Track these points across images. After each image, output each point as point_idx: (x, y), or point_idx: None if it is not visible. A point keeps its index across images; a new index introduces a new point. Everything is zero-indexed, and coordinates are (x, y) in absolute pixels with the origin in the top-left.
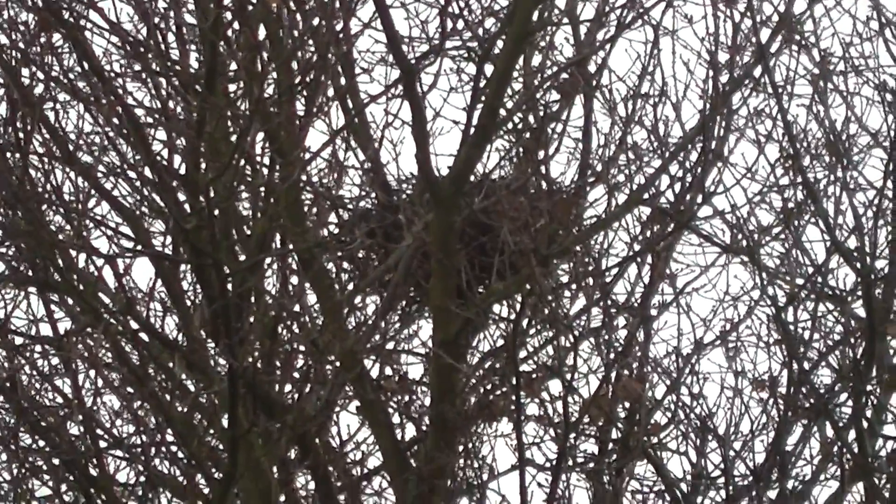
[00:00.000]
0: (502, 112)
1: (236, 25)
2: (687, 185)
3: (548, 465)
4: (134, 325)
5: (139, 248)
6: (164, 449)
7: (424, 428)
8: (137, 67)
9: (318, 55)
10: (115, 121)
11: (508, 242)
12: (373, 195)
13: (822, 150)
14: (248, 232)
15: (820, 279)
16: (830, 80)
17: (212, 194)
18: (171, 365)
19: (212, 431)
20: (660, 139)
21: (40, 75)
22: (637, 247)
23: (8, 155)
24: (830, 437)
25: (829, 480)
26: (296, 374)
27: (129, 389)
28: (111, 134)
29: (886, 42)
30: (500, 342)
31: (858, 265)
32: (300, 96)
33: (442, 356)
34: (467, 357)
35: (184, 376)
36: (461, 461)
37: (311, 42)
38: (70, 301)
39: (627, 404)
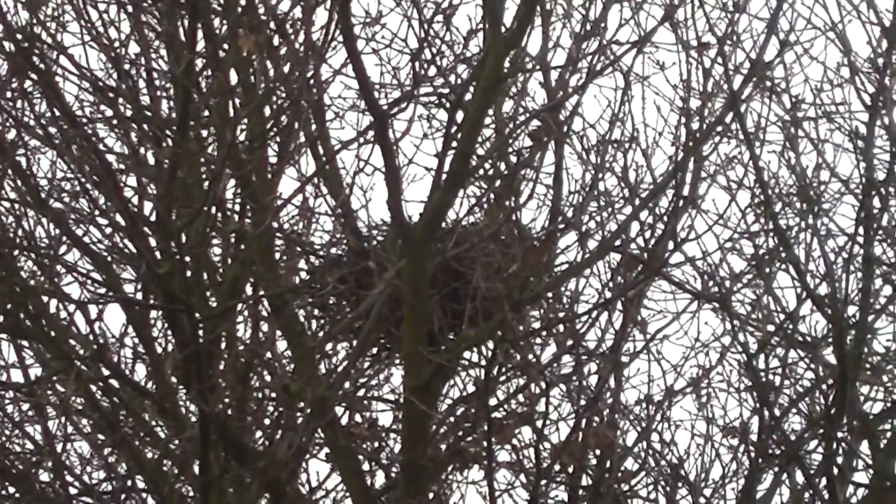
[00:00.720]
0: (474, 158)
1: (208, 71)
2: (658, 231)
3: None
4: (105, 371)
5: (110, 293)
6: (134, 495)
7: (395, 475)
8: (109, 113)
9: (289, 101)
10: (87, 167)
11: (481, 288)
12: (344, 241)
13: (793, 196)
14: (220, 278)
15: (791, 326)
16: (801, 126)
17: (184, 240)
18: (142, 411)
19: (183, 478)
20: (630, 186)
21: (11, 121)
22: (608, 293)
23: None
24: (801, 483)
25: None
26: (267, 421)
27: (100, 436)
28: (83, 180)
29: (857, 89)
30: (471, 389)
31: (829, 312)
32: (272, 142)
33: (414, 402)
34: (438, 404)
35: (155, 422)
36: None
37: (282, 88)
38: (41, 347)
39: (598, 451)
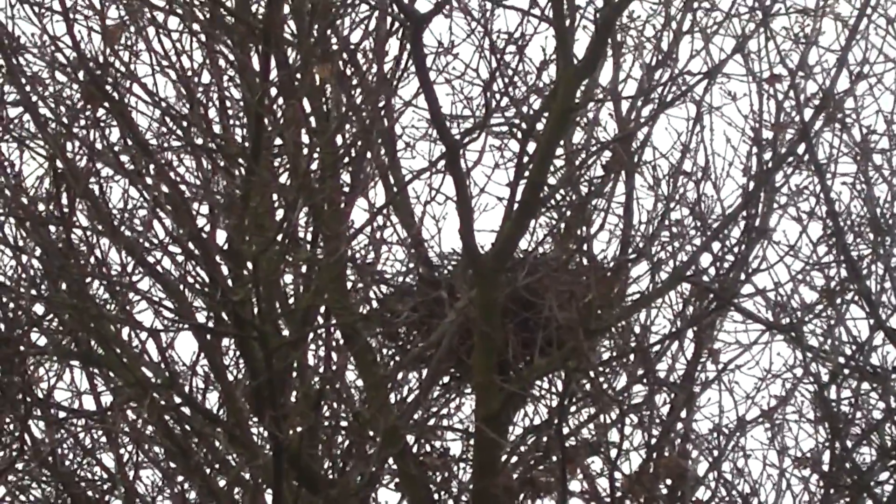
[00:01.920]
0: (545, 188)
1: (281, 101)
2: (729, 262)
3: None
4: (177, 398)
5: (182, 321)
6: None
7: None
8: (181, 142)
9: (361, 131)
10: (160, 195)
11: (555, 317)
12: (416, 271)
13: (864, 227)
14: (292, 306)
15: (862, 357)
16: (872, 157)
17: (257, 268)
18: (213, 439)
19: None
20: (702, 216)
21: (84, 149)
22: (680, 324)
23: (52, 228)
24: None
25: None
26: (338, 450)
27: (172, 464)
28: (155, 208)
29: None
30: (541, 419)
31: None
32: (344, 171)
33: (484, 431)
34: (509, 433)
35: (226, 450)
36: None
37: (354, 118)
38: (113, 374)
39: (670, 481)
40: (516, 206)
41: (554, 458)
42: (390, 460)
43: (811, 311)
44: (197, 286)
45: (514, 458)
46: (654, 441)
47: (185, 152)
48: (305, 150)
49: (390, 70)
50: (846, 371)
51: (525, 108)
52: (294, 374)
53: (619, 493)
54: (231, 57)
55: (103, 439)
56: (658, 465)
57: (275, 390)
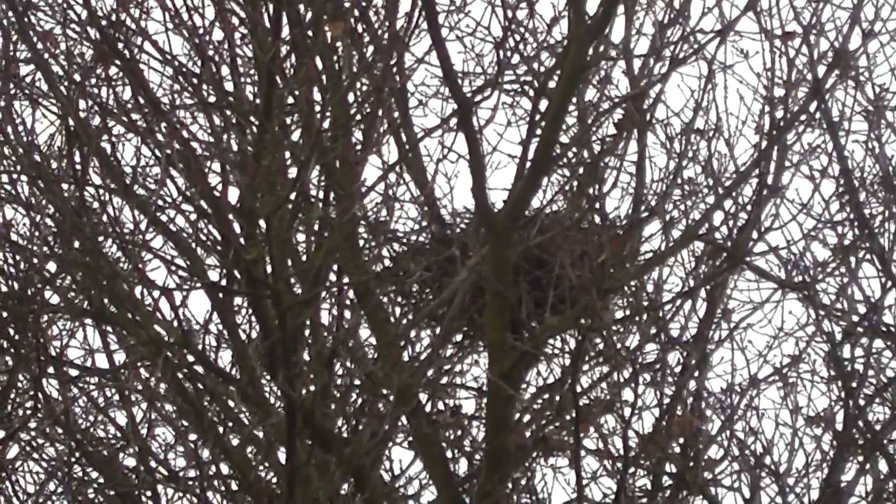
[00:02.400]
0: (557, 146)
1: (292, 59)
2: (742, 220)
3: (606, 500)
4: (190, 357)
5: (195, 279)
6: (219, 482)
7: (478, 462)
8: (193, 100)
9: (373, 89)
10: (172, 153)
11: (569, 276)
12: (428, 229)
13: (877, 185)
14: (305, 265)
15: (875, 315)
16: (885, 115)
17: (270, 227)
18: (226, 398)
19: (267, 465)
20: (714, 174)
21: (96, 107)
22: (692, 282)
23: (65, 186)
24: (885, 473)
25: None
26: (351, 408)
27: (185, 422)
28: (168, 166)
29: None
30: (553, 377)
31: None
32: (356, 130)
33: (501, 386)
34: (520, 392)
35: (239, 409)
36: (516, 496)
37: (366, 76)
38: (126, 333)
39: (683, 439)
40: (528, 164)
41: (567, 417)
42: (403, 418)
43: (824, 270)
44: (209, 244)
45: (528, 417)
46: (666, 400)
47: (197, 110)
48: (318, 109)
49: (402, 27)
50: (859, 329)
51: (537, 66)
52: (307, 332)
53: (632, 452)
54: (243, 14)
55: (116, 397)
56: (671, 424)
57: (287, 349)
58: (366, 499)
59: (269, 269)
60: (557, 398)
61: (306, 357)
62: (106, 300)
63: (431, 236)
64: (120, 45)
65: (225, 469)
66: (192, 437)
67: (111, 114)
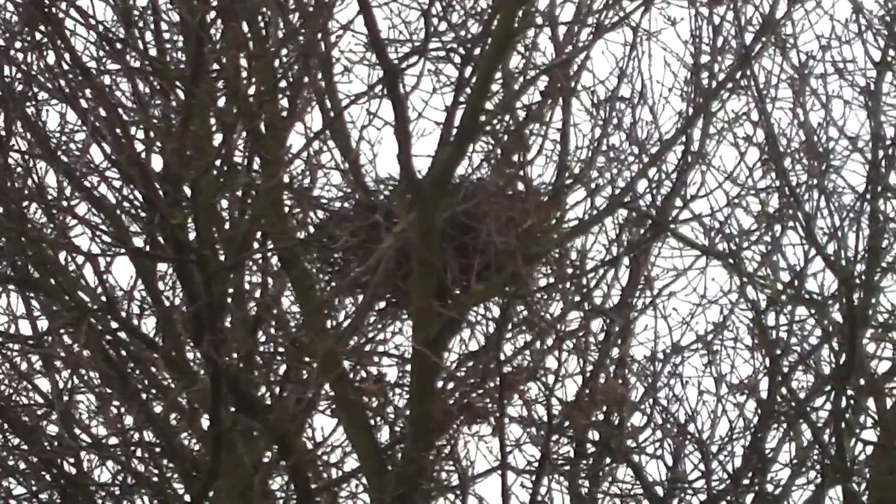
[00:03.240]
0: (483, 113)
1: (219, 23)
2: (666, 187)
3: (529, 468)
4: (114, 323)
5: (120, 245)
6: (143, 448)
7: (401, 430)
8: (119, 65)
9: (299, 55)
10: (97, 118)
11: (495, 242)
12: (353, 196)
13: (802, 153)
14: (230, 231)
15: (799, 283)
16: (810, 82)
17: (195, 192)
18: (151, 364)
19: (192, 431)
20: (639, 142)
21: (21, 72)
22: (616, 250)
23: None
24: (809, 440)
25: (807, 484)
26: (275, 375)
27: (109, 389)
28: (93, 132)
29: (866, 44)
30: (478, 345)
31: (838, 269)
32: (282, 96)
33: (426, 354)
34: (446, 359)
35: (164, 375)
36: (440, 463)
37: (292, 42)
38: (50, 299)
39: (607, 407)
40: (454, 131)
41: (491, 384)
42: (327, 385)
43: (748, 237)
44: (134, 210)
45: (452, 384)
46: (590, 367)
47: (122, 75)
48: (244, 75)
49: None
50: (783, 297)
51: (463, 33)
52: (232, 299)
53: (555, 420)
54: None
55: (39, 364)
56: (595, 392)
57: (212, 315)
58: (290, 465)
59: (194, 234)
60: (481, 366)
61: (231, 323)
62: (30, 266)
63: (356, 203)
64: (45, 10)
65: (149, 436)
66: (116, 403)
67: (36, 79)
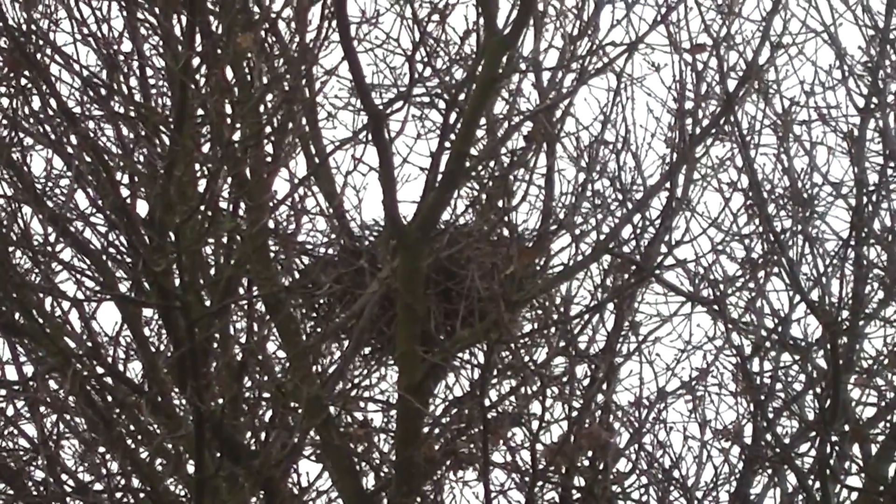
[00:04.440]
0: (468, 159)
1: (204, 69)
2: (651, 233)
3: None
4: (99, 368)
5: (105, 291)
6: (128, 494)
7: (386, 475)
8: (104, 111)
9: (283, 100)
10: (82, 164)
11: (478, 288)
12: (338, 241)
13: (786, 199)
14: (214, 276)
15: (783, 329)
16: (793, 129)
17: (179, 238)
18: (136, 409)
19: (177, 476)
20: (623, 188)
21: (6, 117)
22: (601, 295)
23: None
24: (794, 486)
25: None
26: (260, 420)
27: (94, 434)
28: (78, 177)
29: (849, 91)
30: (463, 390)
31: (822, 315)
32: (266, 141)
33: (409, 400)
34: (431, 404)
35: (149, 421)
36: None
37: (276, 87)
38: (35, 344)
39: (591, 452)
40: (440, 176)
41: (476, 430)
42: (312, 431)
43: (733, 283)
44: (120, 256)
45: (437, 430)
46: (575, 413)
47: (107, 121)
48: (228, 120)
49: (313, 39)
50: (767, 343)
51: (447, 79)
52: (216, 344)
53: (540, 465)
54: (154, 24)
55: (25, 409)
56: (579, 437)
57: (197, 360)
58: None
59: (178, 280)
60: (465, 411)
61: (216, 369)
62: (15, 311)
63: (341, 248)
64: (30, 55)
65: (134, 481)
66: (101, 449)
67: (21, 124)
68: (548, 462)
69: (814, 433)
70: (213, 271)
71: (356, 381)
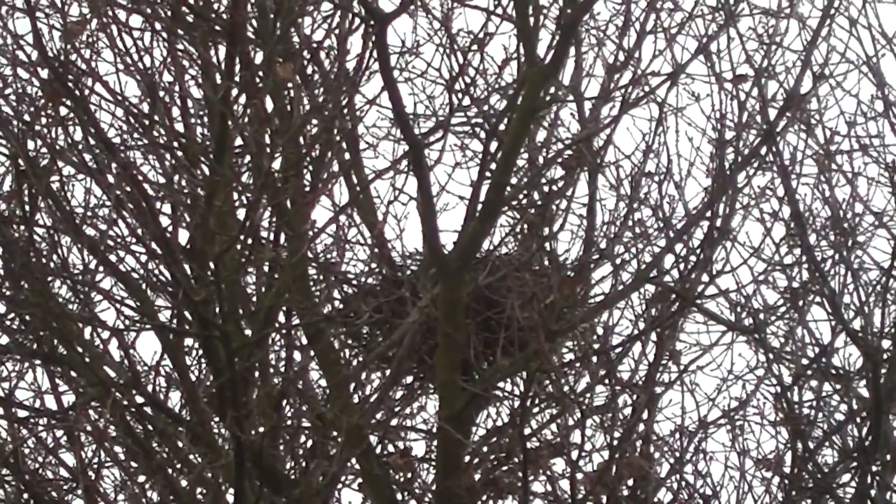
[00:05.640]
0: (508, 188)
1: (243, 99)
2: (692, 263)
3: None
4: (139, 398)
5: (145, 320)
6: None
7: None
8: (144, 141)
9: (323, 130)
10: (122, 193)
11: (517, 318)
12: (378, 271)
13: (827, 229)
14: (255, 306)
15: (825, 359)
16: (835, 159)
17: (219, 267)
18: (176, 439)
19: None
20: (664, 217)
21: (46, 147)
22: (642, 325)
23: (14, 227)
24: None
25: None
26: (301, 450)
27: (134, 463)
28: (118, 207)
29: (891, 122)
30: (504, 419)
31: (864, 345)
32: (306, 171)
33: (448, 431)
34: (471, 433)
35: (189, 450)
36: None
37: (317, 117)
38: (75, 374)
39: (632, 482)
40: (480, 205)
41: (516, 459)
42: (353, 460)
43: (774, 313)
44: (160, 285)
45: (477, 459)
46: (615, 442)
47: (148, 151)
48: (268, 150)
49: (353, 69)
50: (808, 372)
51: (487, 108)
52: (257, 373)
53: (580, 495)
54: (194, 54)
55: (65, 439)
56: (620, 467)
57: (237, 390)
58: None
59: (218, 309)
60: (506, 441)
61: (256, 398)
62: (55, 341)
63: (382, 278)
64: (71, 85)
65: None
66: (141, 478)
67: (61, 154)
68: (588, 492)
69: (855, 463)
70: (253, 301)
71: (396, 410)
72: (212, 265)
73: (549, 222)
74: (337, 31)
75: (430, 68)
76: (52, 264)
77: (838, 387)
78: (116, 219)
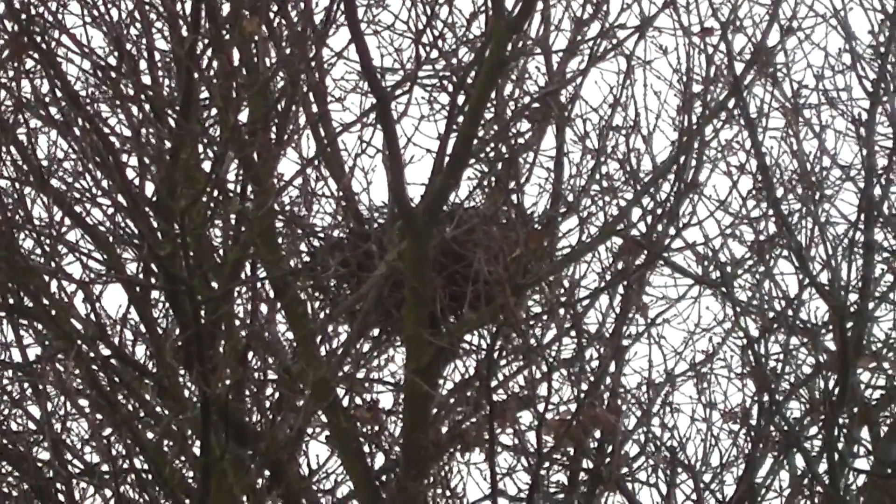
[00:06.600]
0: (475, 141)
1: (210, 52)
2: (659, 216)
3: (520, 495)
4: (105, 351)
5: (112, 274)
6: (134, 476)
7: (394, 457)
8: (111, 93)
9: (290, 83)
10: (88, 146)
11: (483, 272)
12: (345, 224)
13: (794, 182)
14: (221, 259)
15: (792, 312)
16: (803, 112)
17: (186, 221)
18: (142, 392)
19: (183, 459)
20: (632, 171)
21: (12, 100)
22: (609, 278)
23: None
24: (801, 469)
25: None
26: (267, 403)
27: (100, 416)
28: (84, 159)
29: (858, 75)
30: (472, 372)
31: (830, 298)
32: (273, 124)
33: (417, 383)
34: (439, 387)
35: (155, 403)
36: (433, 490)
37: (284, 70)
38: (41, 326)
39: (599, 435)
40: (447, 159)
41: (483, 412)
42: (320, 413)
43: (740, 266)
44: (126, 238)
45: (444, 412)
46: (582, 395)
47: (114, 104)
48: (235, 103)
49: (320, 22)
50: (775, 326)
51: (454, 61)
52: (223, 327)
53: (546, 447)
54: (160, 7)
55: (30, 391)
56: (587, 420)
57: (203, 343)
58: (282, 493)
59: (185, 263)
60: (472, 393)
61: (222, 351)
62: (21, 294)
63: (349, 231)
64: (37, 38)
65: (140, 463)
66: (107, 430)
67: (27, 106)
68: (555, 444)
69: (822, 416)
70: (219, 254)
71: (364, 362)
72: (178, 218)
73: (516, 176)
74: None
75: (397, 21)
76: (17, 217)
77: (805, 340)
78: (82, 172)
